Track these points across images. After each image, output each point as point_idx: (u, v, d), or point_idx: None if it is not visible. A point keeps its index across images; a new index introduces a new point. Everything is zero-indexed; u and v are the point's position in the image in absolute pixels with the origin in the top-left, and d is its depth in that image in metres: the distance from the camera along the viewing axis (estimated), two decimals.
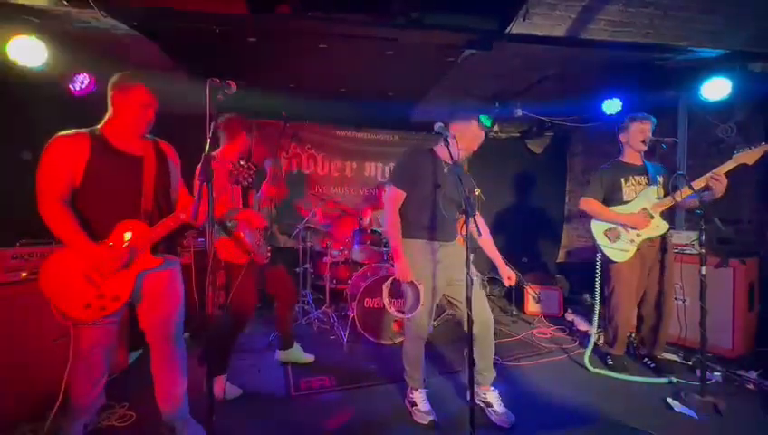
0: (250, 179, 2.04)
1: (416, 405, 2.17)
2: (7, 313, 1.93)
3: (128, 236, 1.62)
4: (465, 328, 1.85)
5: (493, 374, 2.18)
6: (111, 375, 2.45)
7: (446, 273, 2.12)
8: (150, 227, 1.66)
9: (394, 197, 2.12)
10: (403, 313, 2.09)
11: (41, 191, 1.52)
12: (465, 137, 2.06)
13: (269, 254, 2.41)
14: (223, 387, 2.27)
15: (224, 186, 2.04)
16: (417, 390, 2.21)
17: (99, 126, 1.67)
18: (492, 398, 2.16)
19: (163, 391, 1.79)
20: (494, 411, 2.11)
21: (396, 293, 3.23)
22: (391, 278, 2.09)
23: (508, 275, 2.20)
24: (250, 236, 2.29)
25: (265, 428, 2.04)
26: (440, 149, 2.16)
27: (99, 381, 1.73)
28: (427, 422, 2.08)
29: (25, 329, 1.98)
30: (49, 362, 2.05)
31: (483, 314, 2.09)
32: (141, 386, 2.27)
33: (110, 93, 1.66)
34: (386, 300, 2.06)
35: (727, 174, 2.25)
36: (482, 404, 2.16)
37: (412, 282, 2.02)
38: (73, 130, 1.60)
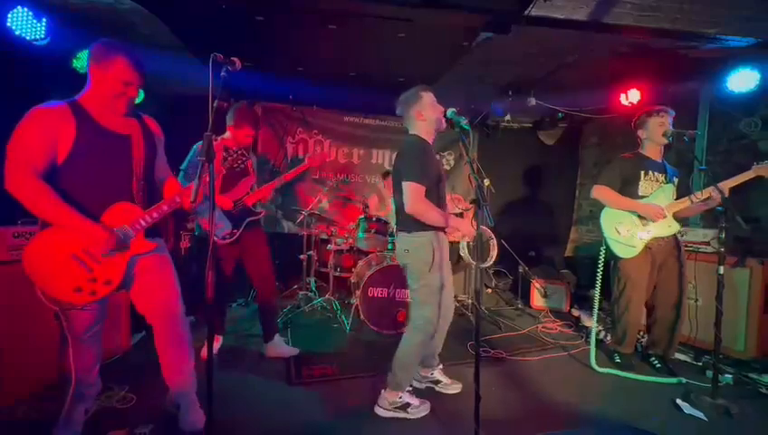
0: (242, 166, 2.23)
1: (410, 405, 2.02)
2: (9, 292, 1.90)
3: (124, 220, 1.56)
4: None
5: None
6: (113, 357, 2.46)
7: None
8: (144, 211, 1.59)
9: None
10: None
11: (14, 163, 1.38)
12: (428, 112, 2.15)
13: (229, 235, 2.39)
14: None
15: (218, 170, 2.01)
16: (405, 391, 2.05)
17: (78, 99, 1.53)
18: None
19: (172, 368, 1.71)
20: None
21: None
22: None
23: None
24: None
25: (266, 415, 2.02)
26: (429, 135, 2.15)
27: (94, 365, 1.70)
28: (429, 410, 2.04)
29: (27, 309, 1.95)
30: (49, 343, 2.04)
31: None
32: (142, 369, 2.27)
33: (89, 65, 1.51)
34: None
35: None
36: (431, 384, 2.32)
37: (481, 233, 1.83)
38: (53, 103, 1.46)
